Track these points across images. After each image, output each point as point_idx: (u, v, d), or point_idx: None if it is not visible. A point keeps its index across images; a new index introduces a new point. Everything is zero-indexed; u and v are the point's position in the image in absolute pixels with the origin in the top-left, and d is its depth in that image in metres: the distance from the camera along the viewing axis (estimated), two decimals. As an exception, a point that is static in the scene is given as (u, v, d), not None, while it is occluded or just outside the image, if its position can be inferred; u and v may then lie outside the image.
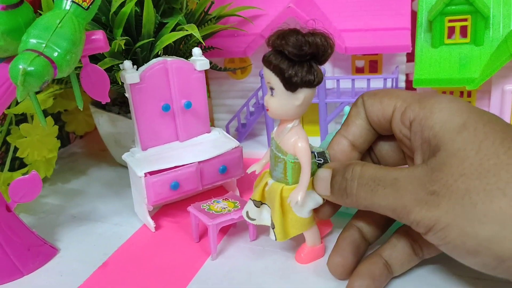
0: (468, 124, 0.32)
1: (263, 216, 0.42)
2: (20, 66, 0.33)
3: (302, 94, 0.36)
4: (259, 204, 0.42)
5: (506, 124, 0.33)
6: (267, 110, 0.38)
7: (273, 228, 0.41)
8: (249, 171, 0.43)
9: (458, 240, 0.31)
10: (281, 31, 0.35)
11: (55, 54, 0.35)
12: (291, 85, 0.35)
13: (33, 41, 0.35)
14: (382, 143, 0.41)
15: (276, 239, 0.41)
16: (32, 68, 0.33)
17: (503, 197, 0.29)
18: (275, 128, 0.40)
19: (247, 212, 0.42)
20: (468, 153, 0.31)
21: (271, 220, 0.41)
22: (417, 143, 0.35)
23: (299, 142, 0.37)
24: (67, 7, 0.37)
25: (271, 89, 0.36)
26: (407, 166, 0.40)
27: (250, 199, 0.42)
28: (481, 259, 0.31)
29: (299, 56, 0.34)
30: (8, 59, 0.40)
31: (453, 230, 0.31)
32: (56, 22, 0.36)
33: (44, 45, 0.35)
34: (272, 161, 0.40)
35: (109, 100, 0.43)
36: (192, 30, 0.48)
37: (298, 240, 0.43)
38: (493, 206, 0.30)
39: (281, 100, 0.36)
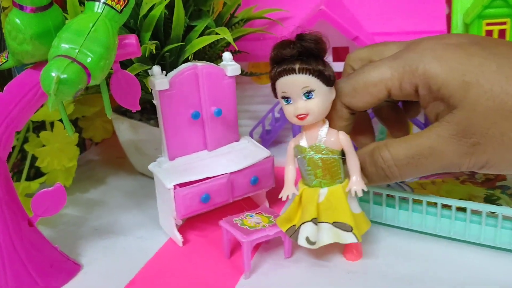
0: (469, 79, 0.35)
1: (322, 236, 0.40)
2: (53, 74, 0.31)
3: (334, 88, 0.39)
4: (317, 222, 0.40)
5: (496, 58, 0.35)
6: (304, 117, 0.38)
7: (350, 231, 0.40)
8: (287, 196, 0.41)
9: (509, 168, 0.38)
10: (284, 42, 0.37)
11: (89, 59, 0.32)
12: (331, 81, 0.38)
13: (65, 46, 0.32)
14: None
15: (358, 240, 0.40)
16: (66, 76, 0.31)
17: None
18: (302, 140, 0.40)
19: (306, 238, 0.40)
20: (485, 103, 0.35)
21: (341, 226, 0.40)
22: (427, 101, 0.38)
23: (340, 135, 0.39)
24: (100, 10, 0.35)
25: (309, 92, 0.37)
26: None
27: (304, 222, 0.40)
28: None
29: (322, 51, 0.37)
30: (34, 65, 0.37)
31: (503, 163, 0.37)
32: (89, 26, 0.33)
33: (77, 50, 0.32)
34: (316, 170, 0.40)
35: (139, 108, 0.41)
36: (225, 34, 0.46)
37: (328, 255, 0.43)
38: None
39: (323, 98, 0.38)
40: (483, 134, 0.36)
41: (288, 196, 0.40)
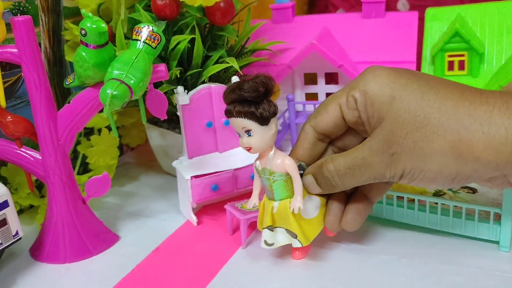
0: (394, 94, 0.41)
1: (278, 238, 0.48)
2: (108, 91, 0.45)
3: (273, 123, 0.44)
4: (272, 228, 0.48)
5: (417, 80, 0.41)
6: (249, 150, 0.44)
7: (295, 238, 0.47)
8: (252, 207, 0.49)
9: (420, 176, 0.41)
10: (230, 87, 0.43)
11: (132, 82, 0.46)
12: (265, 120, 0.43)
13: (116, 72, 0.46)
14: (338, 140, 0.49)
15: (302, 245, 0.47)
16: (117, 93, 0.45)
17: (438, 137, 0.39)
18: (257, 162, 0.47)
19: (264, 241, 0.48)
20: (403, 115, 0.40)
21: (290, 233, 0.47)
22: (365, 118, 0.43)
23: (286, 160, 0.45)
24: (140, 47, 0.49)
25: (247, 131, 0.43)
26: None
27: (262, 229, 0.48)
28: (439, 182, 0.41)
29: (258, 97, 0.42)
30: (93, 85, 0.51)
31: (416, 171, 0.41)
32: (133, 58, 0.47)
33: (124, 75, 0.46)
34: (269, 187, 0.47)
35: (166, 117, 0.54)
36: (232, 62, 0.59)
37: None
38: (434, 146, 0.39)
39: (260, 135, 0.43)
40: (400, 143, 0.40)
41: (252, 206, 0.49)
